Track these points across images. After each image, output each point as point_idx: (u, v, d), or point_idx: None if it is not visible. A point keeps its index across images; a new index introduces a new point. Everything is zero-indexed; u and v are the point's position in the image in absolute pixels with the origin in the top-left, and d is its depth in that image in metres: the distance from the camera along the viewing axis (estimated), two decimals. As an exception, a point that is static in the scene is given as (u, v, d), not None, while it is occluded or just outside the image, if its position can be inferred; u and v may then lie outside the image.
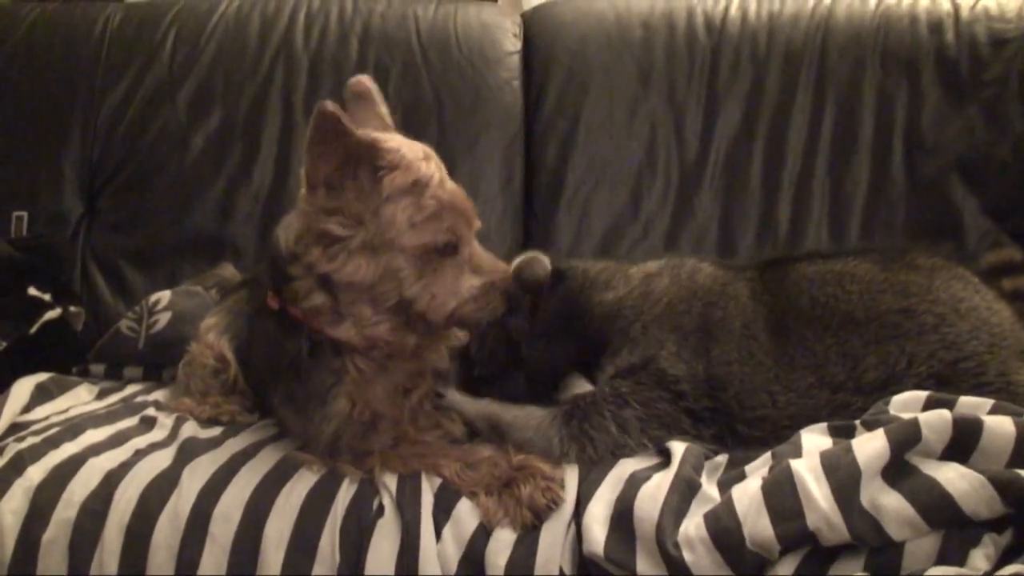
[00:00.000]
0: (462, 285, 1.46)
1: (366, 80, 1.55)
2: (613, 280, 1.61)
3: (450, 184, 1.46)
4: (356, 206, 1.39)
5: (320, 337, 1.47)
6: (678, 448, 1.41)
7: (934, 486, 1.17)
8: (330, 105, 1.31)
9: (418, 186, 1.40)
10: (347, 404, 1.48)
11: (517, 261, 1.59)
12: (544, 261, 1.60)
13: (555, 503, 1.36)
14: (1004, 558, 1.14)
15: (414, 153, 1.43)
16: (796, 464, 1.25)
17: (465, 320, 1.49)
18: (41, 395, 1.78)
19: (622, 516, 1.29)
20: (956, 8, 2.22)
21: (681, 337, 1.52)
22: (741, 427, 1.47)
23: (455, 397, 1.55)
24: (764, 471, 1.31)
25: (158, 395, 1.83)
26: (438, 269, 1.44)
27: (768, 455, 1.35)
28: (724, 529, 1.22)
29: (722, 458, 1.43)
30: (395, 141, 1.43)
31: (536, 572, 1.30)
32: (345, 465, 1.45)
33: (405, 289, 1.43)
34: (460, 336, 1.62)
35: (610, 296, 1.58)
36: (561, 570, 1.30)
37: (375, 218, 1.39)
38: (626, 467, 1.41)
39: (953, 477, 1.18)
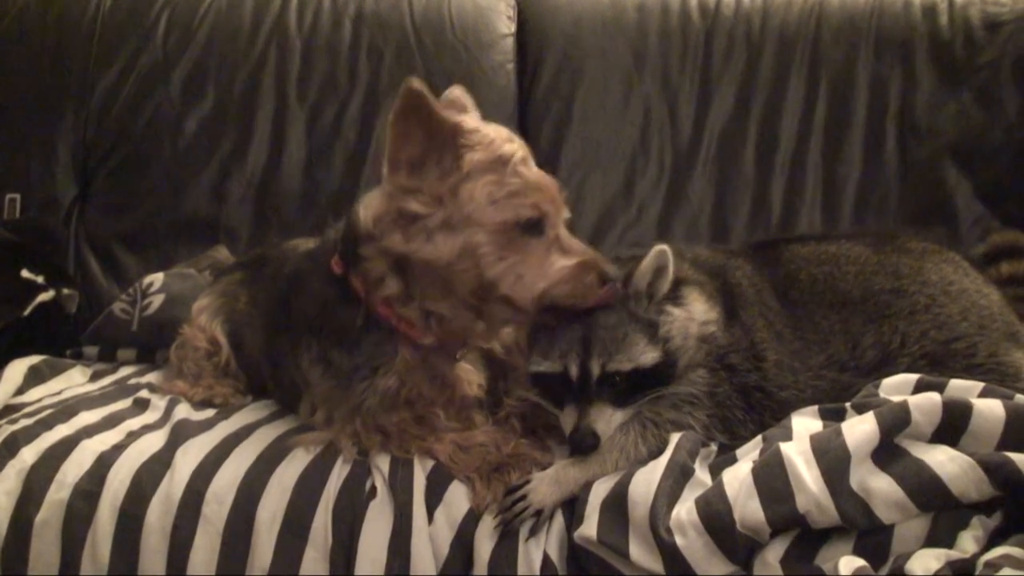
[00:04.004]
0: (551, 266, 1.38)
1: (458, 91, 1.55)
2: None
3: (536, 168, 1.42)
4: (437, 185, 1.37)
5: (376, 314, 1.46)
6: (673, 435, 1.41)
7: (923, 469, 1.18)
8: (416, 82, 1.30)
9: (500, 163, 1.37)
10: (396, 383, 1.46)
11: None
12: None
13: None
14: (993, 540, 1.15)
15: (497, 133, 1.41)
16: (786, 447, 1.25)
17: (557, 301, 1.39)
18: (34, 377, 1.78)
19: (616, 500, 1.30)
20: (950, -9, 2.23)
21: (716, 303, 1.50)
22: (769, 420, 1.44)
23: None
24: (755, 454, 1.31)
25: (151, 377, 1.83)
26: (523, 249, 1.38)
27: (759, 438, 1.36)
28: (715, 513, 1.23)
29: (715, 446, 1.43)
30: (477, 123, 1.43)
31: (520, 557, 1.30)
32: (343, 437, 1.45)
33: (485, 269, 1.37)
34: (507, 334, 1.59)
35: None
36: (546, 554, 1.31)
37: (454, 196, 1.36)
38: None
39: (943, 460, 1.18)
